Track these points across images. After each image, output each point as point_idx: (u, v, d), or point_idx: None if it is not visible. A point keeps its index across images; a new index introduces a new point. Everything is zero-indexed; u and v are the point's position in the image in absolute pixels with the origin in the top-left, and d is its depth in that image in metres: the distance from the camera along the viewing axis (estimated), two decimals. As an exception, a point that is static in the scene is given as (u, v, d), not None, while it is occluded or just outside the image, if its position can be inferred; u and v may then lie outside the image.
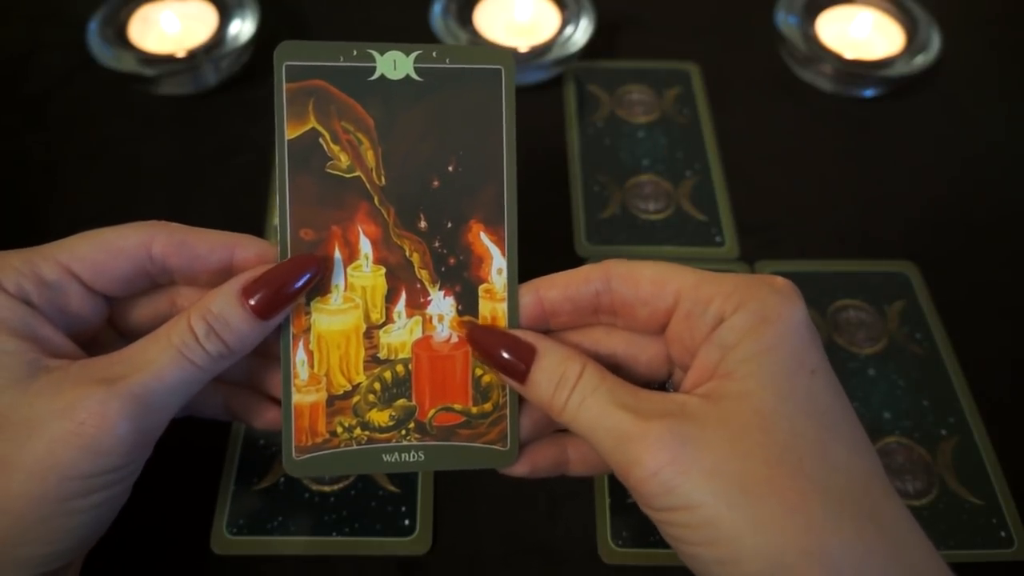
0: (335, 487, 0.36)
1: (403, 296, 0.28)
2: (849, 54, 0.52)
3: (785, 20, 0.54)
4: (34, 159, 0.48)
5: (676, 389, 0.28)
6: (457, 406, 0.29)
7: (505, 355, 0.27)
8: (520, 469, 0.29)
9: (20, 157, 0.48)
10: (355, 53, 0.28)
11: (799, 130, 0.52)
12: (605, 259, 0.28)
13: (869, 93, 0.53)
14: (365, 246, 0.28)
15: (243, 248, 0.28)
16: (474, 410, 0.29)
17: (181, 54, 0.49)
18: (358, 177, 0.28)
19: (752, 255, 0.45)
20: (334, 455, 0.28)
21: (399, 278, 0.28)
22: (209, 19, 0.52)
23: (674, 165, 0.49)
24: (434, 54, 0.28)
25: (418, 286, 0.28)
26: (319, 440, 0.28)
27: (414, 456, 0.29)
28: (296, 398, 0.28)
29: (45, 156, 0.48)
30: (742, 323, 0.24)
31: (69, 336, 0.27)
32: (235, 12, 0.52)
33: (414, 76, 0.28)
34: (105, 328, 0.29)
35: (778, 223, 0.47)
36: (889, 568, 0.22)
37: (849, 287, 0.44)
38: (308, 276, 0.27)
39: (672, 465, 0.23)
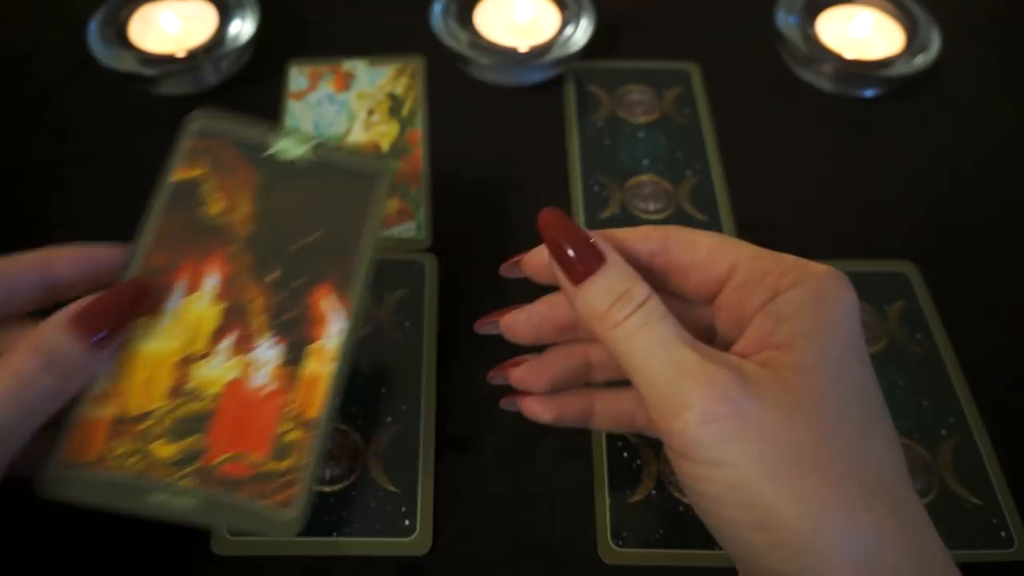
0: (335, 488, 0.36)
1: (233, 335, 0.30)
2: (849, 54, 0.52)
3: (785, 20, 0.54)
4: (34, 159, 0.48)
5: None
6: (252, 457, 0.28)
7: (570, 251, 0.26)
8: (547, 416, 0.29)
9: (20, 157, 0.48)
10: (263, 130, 0.33)
11: (799, 130, 0.52)
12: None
13: (869, 93, 0.53)
14: (210, 281, 0.30)
15: (57, 259, 0.28)
16: (269, 466, 0.28)
17: (181, 54, 0.49)
18: (226, 223, 0.31)
19: (752, 255, 0.45)
20: (98, 481, 0.27)
21: (234, 318, 0.30)
22: (209, 19, 0.52)
23: (674, 165, 0.49)
24: (331, 147, 0.33)
25: (251, 330, 0.30)
26: (89, 459, 0.27)
27: (186, 502, 0.27)
28: (82, 408, 0.28)
29: (45, 156, 0.49)
30: (800, 297, 0.25)
31: None
32: (235, 12, 0.52)
33: (308, 158, 0.33)
34: None
35: (778, 223, 0.47)
36: (907, 558, 0.23)
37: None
38: (139, 302, 0.27)
39: (729, 419, 0.22)
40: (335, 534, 0.35)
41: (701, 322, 0.29)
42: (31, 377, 0.24)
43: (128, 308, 0.27)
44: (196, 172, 0.32)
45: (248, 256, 0.31)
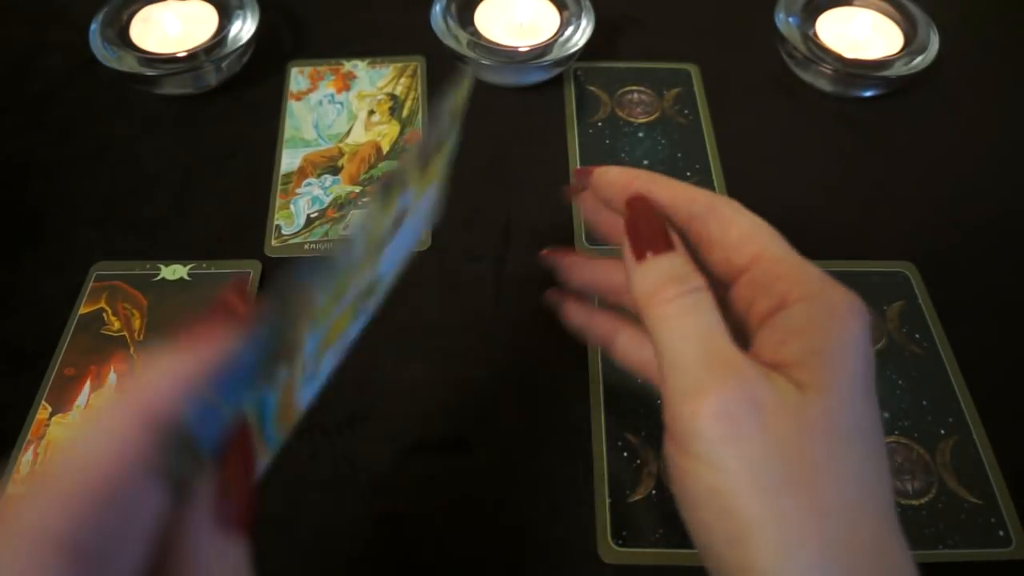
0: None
1: None
2: (849, 54, 0.52)
3: (785, 20, 0.54)
4: (36, 159, 0.48)
5: None
6: None
7: (645, 231, 0.27)
8: (576, 319, 0.34)
9: (22, 157, 0.48)
10: (148, 266, 0.43)
11: (799, 130, 0.52)
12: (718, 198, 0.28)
13: (869, 93, 0.53)
14: (112, 379, 0.39)
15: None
16: None
17: (182, 55, 0.49)
18: (123, 336, 0.41)
19: (752, 255, 0.45)
20: None
21: None
22: (210, 20, 0.52)
23: (674, 165, 0.49)
24: (204, 265, 0.43)
25: None
26: None
27: None
28: (11, 489, 0.34)
29: (46, 156, 0.49)
30: (808, 312, 0.24)
31: None
32: (235, 13, 0.52)
33: (186, 277, 0.43)
34: None
35: (778, 223, 0.47)
36: None
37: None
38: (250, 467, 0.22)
39: (741, 422, 0.22)
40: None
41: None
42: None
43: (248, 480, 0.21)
44: (99, 305, 0.42)
45: (141, 354, 0.40)
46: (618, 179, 0.29)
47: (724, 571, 0.23)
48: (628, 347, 0.31)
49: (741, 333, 0.26)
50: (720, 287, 0.28)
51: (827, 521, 0.22)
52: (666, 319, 0.25)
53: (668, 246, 0.26)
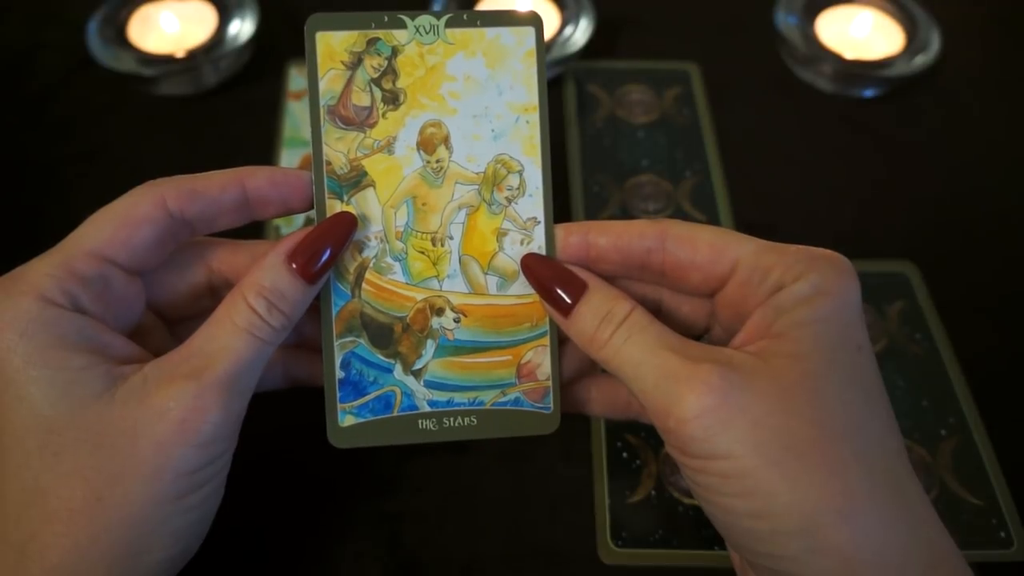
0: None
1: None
2: (849, 54, 0.52)
3: (785, 20, 0.54)
4: (34, 159, 0.48)
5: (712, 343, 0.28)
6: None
7: (555, 287, 0.27)
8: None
9: (20, 157, 0.48)
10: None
11: (799, 130, 0.52)
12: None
13: (869, 93, 0.53)
14: None
15: (252, 178, 0.27)
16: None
17: (181, 54, 0.49)
18: None
19: (752, 255, 0.45)
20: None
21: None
22: (208, 19, 0.52)
23: (674, 165, 0.49)
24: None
25: None
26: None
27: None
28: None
29: (45, 156, 0.48)
30: (801, 292, 0.25)
31: (122, 332, 0.26)
32: (235, 12, 0.52)
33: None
34: (146, 312, 0.28)
35: (778, 223, 0.47)
36: (911, 541, 0.23)
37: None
38: (350, 234, 0.27)
39: (718, 410, 0.23)
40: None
41: (703, 307, 0.29)
42: (264, 315, 0.25)
43: (342, 241, 0.27)
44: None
45: None
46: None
47: (755, 545, 0.23)
48: (601, 399, 0.31)
49: (729, 326, 0.27)
50: (702, 296, 0.28)
51: (842, 471, 0.22)
52: (613, 358, 0.26)
53: (582, 287, 0.27)
